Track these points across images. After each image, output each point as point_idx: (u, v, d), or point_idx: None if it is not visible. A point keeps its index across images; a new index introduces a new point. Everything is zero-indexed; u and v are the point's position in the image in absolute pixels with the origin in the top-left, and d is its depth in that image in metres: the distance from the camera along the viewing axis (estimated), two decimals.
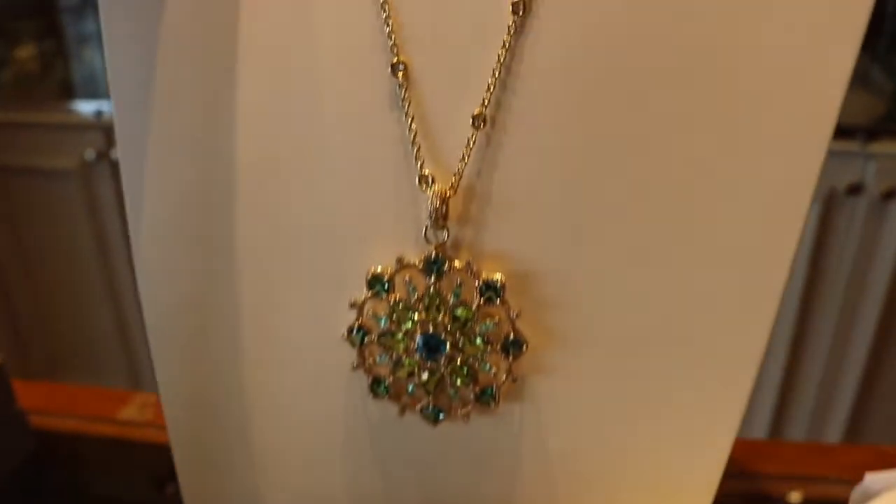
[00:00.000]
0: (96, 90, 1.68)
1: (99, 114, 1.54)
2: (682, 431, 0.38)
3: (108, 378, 1.74)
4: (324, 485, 0.43)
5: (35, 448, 0.71)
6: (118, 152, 0.39)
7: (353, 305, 0.37)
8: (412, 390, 0.38)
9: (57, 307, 1.68)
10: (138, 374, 1.73)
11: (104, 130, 1.54)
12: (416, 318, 0.37)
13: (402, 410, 0.39)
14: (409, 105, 0.35)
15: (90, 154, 1.54)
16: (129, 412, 0.80)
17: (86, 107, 1.59)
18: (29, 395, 0.78)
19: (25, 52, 1.64)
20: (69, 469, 0.74)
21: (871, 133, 1.30)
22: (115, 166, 1.54)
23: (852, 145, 1.26)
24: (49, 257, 1.63)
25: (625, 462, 0.40)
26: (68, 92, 1.69)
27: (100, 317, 1.66)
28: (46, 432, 0.74)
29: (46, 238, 1.62)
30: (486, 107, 0.34)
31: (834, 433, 1.46)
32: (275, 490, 0.44)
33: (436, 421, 0.39)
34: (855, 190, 1.31)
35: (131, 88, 0.38)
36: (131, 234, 0.40)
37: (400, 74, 0.35)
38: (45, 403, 0.79)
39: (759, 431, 1.49)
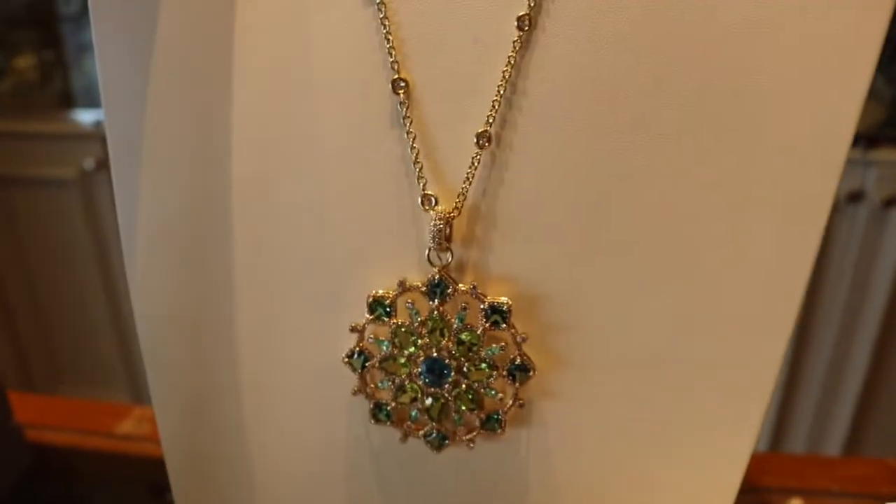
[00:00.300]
0: (96, 100, 1.67)
1: (98, 123, 1.54)
2: (693, 457, 0.37)
3: (108, 388, 1.73)
4: None
5: (32, 462, 0.70)
6: (111, 168, 0.38)
7: (353, 329, 0.36)
8: (415, 416, 0.37)
9: (57, 317, 1.68)
10: (138, 385, 1.72)
11: (103, 140, 1.52)
12: (419, 342, 0.36)
13: (405, 436, 0.38)
14: (410, 123, 0.34)
15: (89, 163, 1.54)
16: (126, 426, 0.79)
17: (85, 116, 1.58)
18: (26, 408, 0.77)
19: (25, 62, 1.64)
20: (66, 483, 0.73)
21: (872, 140, 1.30)
22: None
23: (853, 153, 1.25)
24: (49, 266, 1.62)
25: (635, 489, 0.39)
26: (68, 101, 1.69)
27: (100, 327, 1.65)
28: (44, 446, 0.73)
29: (46, 247, 1.61)
30: (490, 125, 0.33)
31: (833, 446, 1.45)
32: None
33: (440, 447, 0.38)
34: (856, 197, 1.31)
35: (124, 102, 0.37)
36: (124, 250, 0.39)
37: (401, 92, 0.34)
38: (43, 417, 0.78)
39: (759, 444, 1.47)
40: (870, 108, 1.38)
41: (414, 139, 0.34)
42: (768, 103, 0.31)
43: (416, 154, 0.34)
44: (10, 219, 1.59)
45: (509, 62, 0.33)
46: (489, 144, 0.33)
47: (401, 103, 0.34)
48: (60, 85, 1.68)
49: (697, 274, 0.34)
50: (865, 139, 1.28)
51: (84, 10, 1.63)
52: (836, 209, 1.29)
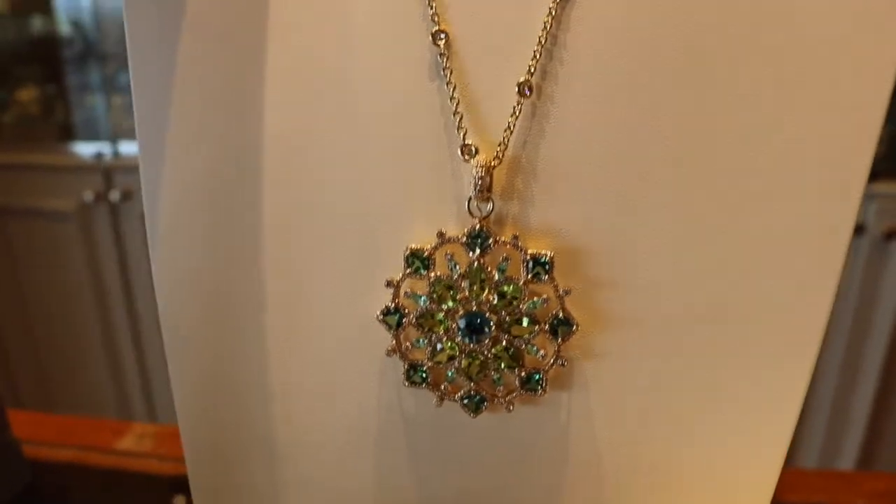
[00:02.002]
0: (96, 133, 1.68)
1: (98, 156, 1.54)
2: (740, 419, 0.36)
3: (100, 416, 1.69)
4: (352, 481, 0.40)
5: (32, 479, 0.68)
6: (136, 128, 0.37)
7: (389, 284, 0.35)
8: (452, 377, 0.36)
9: (52, 348, 1.66)
10: (130, 415, 1.68)
11: (103, 172, 1.53)
12: (458, 296, 0.35)
13: (441, 399, 0.36)
14: (450, 74, 0.34)
15: (88, 196, 1.53)
16: (126, 443, 0.78)
17: (85, 149, 1.59)
18: (24, 425, 0.75)
19: (27, 95, 1.65)
20: (65, 500, 0.71)
21: (871, 174, 1.31)
22: (113, 208, 1.53)
23: None
24: (46, 297, 1.61)
25: (680, 453, 0.37)
26: (68, 134, 1.70)
27: (94, 358, 1.63)
28: (42, 463, 0.71)
29: (44, 278, 1.60)
30: (531, 75, 0.33)
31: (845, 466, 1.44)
32: (296, 484, 0.41)
33: (477, 410, 0.36)
34: (857, 230, 1.31)
35: (151, 58, 0.36)
36: (146, 217, 0.38)
37: (441, 43, 0.33)
38: (41, 434, 0.77)
39: None
40: None
41: (454, 90, 0.33)
42: (811, 57, 0.31)
43: (456, 105, 0.34)
44: (9, 249, 1.58)
45: (550, 13, 0.32)
46: (530, 94, 0.33)
47: (441, 55, 0.33)
48: (61, 118, 1.69)
49: (742, 227, 0.33)
50: None
51: (87, 51, 1.66)
52: None
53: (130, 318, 1.61)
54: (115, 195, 1.53)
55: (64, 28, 1.69)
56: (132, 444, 0.77)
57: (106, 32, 1.65)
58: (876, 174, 1.30)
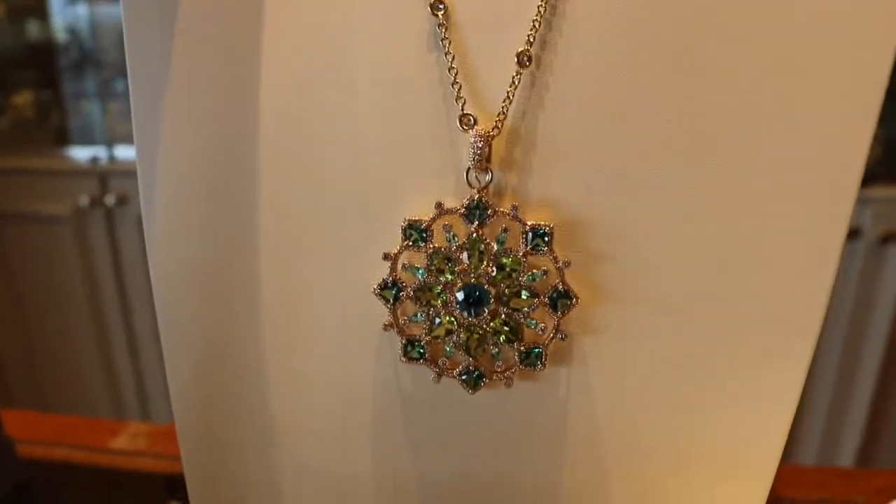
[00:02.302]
0: (91, 138, 1.68)
1: (94, 160, 1.54)
2: (741, 398, 0.36)
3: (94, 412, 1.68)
4: (349, 466, 0.39)
5: (24, 478, 0.68)
6: (133, 116, 0.37)
7: (386, 257, 0.35)
8: (450, 352, 0.35)
9: (47, 352, 1.65)
10: (125, 419, 1.67)
11: (98, 177, 1.53)
12: (456, 268, 0.34)
13: (439, 376, 0.36)
14: (449, 45, 0.33)
15: (84, 200, 1.53)
16: (120, 442, 0.77)
17: (81, 153, 1.59)
18: (19, 424, 0.75)
19: (23, 99, 1.65)
20: (59, 499, 0.70)
21: (867, 178, 1.31)
22: (108, 212, 1.53)
23: None
24: (41, 301, 1.60)
25: (679, 432, 0.37)
26: (63, 139, 1.69)
27: (89, 361, 1.62)
28: (36, 462, 0.70)
29: (39, 282, 1.60)
30: (530, 45, 0.32)
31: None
32: (292, 471, 0.40)
33: (475, 386, 0.36)
34: (853, 234, 1.32)
35: (147, 40, 0.35)
36: (142, 198, 0.38)
37: (440, 14, 0.33)
38: (36, 433, 0.76)
39: None
40: None
41: (452, 60, 0.33)
42: (811, 39, 0.31)
43: (455, 75, 0.33)
44: (4, 253, 1.58)
45: None
46: (529, 64, 0.32)
47: (439, 25, 0.33)
48: (57, 122, 1.69)
49: (742, 207, 0.33)
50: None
51: (83, 59, 1.66)
52: None
53: (125, 321, 1.60)
54: (110, 199, 1.53)
55: (60, 35, 1.70)
56: (126, 443, 0.77)
57: (102, 40, 1.66)
58: (872, 178, 1.30)
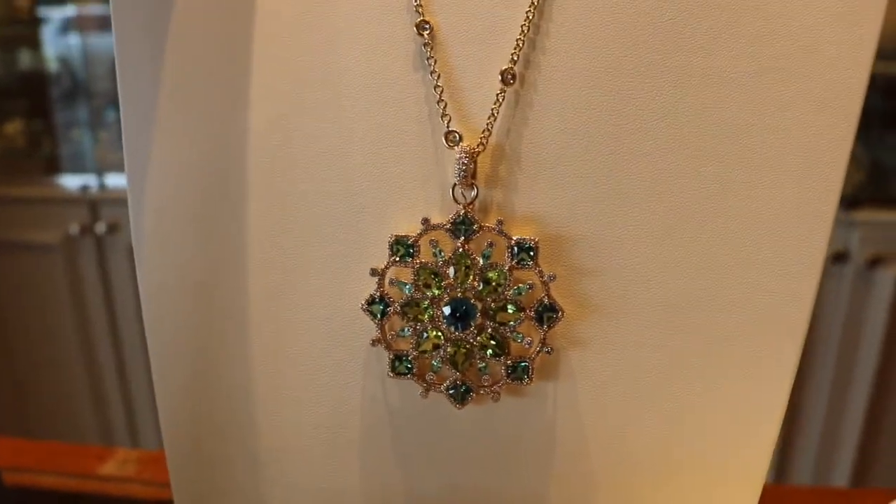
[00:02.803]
0: (82, 166, 1.68)
1: (84, 188, 1.54)
2: (729, 406, 0.36)
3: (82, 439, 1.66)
4: (338, 481, 0.39)
5: None
6: (122, 126, 0.37)
7: (374, 273, 0.35)
8: (437, 367, 0.36)
9: (36, 381, 1.63)
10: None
11: (89, 205, 1.53)
12: (442, 283, 0.34)
13: (427, 391, 0.36)
14: (434, 64, 0.34)
15: (74, 229, 1.53)
16: (109, 468, 0.76)
17: (71, 181, 1.59)
18: (7, 452, 0.74)
19: (14, 128, 1.65)
20: None
21: (853, 202, 1.33)
22: (98, 241, 1.52)
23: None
24: (30, 329, 1.59)
25: (668, 443, 0.37)
26: (54, 167, 1.69)
27: (78, 391, 1.61)
28: (24, 489, 0.70)
29: (29, 310, 1.58)
30: (514, 63, 0.33)
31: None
32: (281, 487, 0.40)
33: (463, 401, 0.36)
34: (840, 258, 1.33)
35: (137, 57, 0.36)
36: (131, 213, 0.38)
37: (425, 34, 0.34)
38: (23, 460, 0.76)
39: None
40: (850, 171, 1.42)
41: (438, 79, 0.34)
42: (790, 45, 0.32)
43: (440, 94, 0.34)
44: None
45: (533, 3, 0.33)
46: (514, 82, 0.33)
47: (425, 44, 0.34)
48: (48, 151, 1.69)
49: (725, 216, 0.34)
50: (847, 200, 1.31)
51: (74, 89, 1.67)
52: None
53: (115, 350, 1.59)
54: (100, 228, 1.53)
55: (52, 65, 1.70)
56: (115, 469, 0.76)
57: (94, 70, 1.66)
58: (858, 202, 1.31)
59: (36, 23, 1.64)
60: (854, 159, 1.39)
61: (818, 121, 0.32)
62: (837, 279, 1.33)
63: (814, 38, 0.31)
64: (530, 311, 0.34)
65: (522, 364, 0.35)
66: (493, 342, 0.35)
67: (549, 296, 0.34)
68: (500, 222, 0.34)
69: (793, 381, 0.35)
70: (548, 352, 0.35)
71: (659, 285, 0.35)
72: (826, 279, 1.32)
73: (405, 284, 0.35)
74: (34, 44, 1.68)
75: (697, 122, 0.33)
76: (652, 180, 0.34)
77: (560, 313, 0.34)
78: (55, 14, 1.63)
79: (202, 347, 0.39)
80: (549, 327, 0.34)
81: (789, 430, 1.41)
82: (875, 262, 1.31)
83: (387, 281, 0.35)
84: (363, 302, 0.35)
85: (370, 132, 0.35)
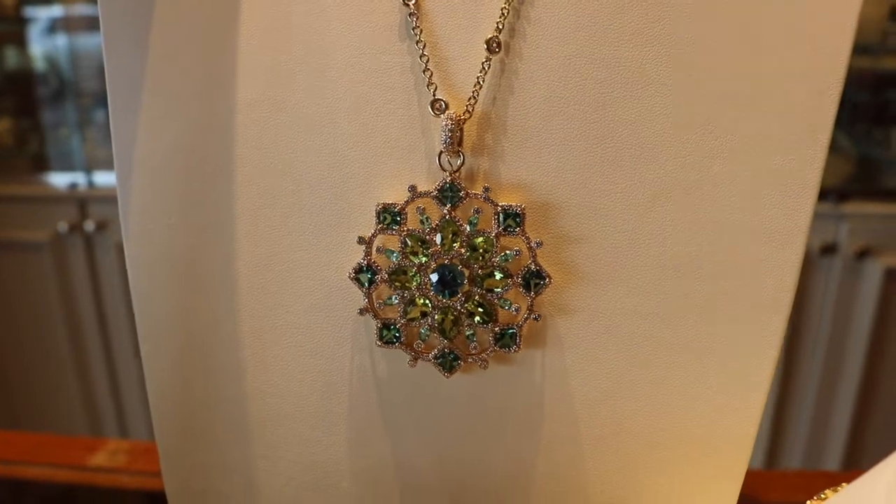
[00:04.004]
0: (70, 164, 1.67)
1: (73, 186, 1.53)
2: (716, 374, 0.36)
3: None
4: (325, 451, 0.39)
5: (2, 497, 0.66)
6: (109, 107, 0.37)
7: (361, 241, 0.35)
8: (425, 335, 0.36)
9: (25, 379, 1.62)
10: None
11: (77, 203, 1.52)
12: (430, 250, 0.34)
13: (415, 359, 0.36)
14: (420, 33, 0.34)
15: (63, 227, 1.52)
16: (99, 459, 0.76)
17: (59, 179, 1.58)
18: None
19: (1, 126, 1.64)
20: None
21: (842, 194, 1.34)
22: (87, 238, 1.52)
23: (824, 206, 1.30)
24: (19, 327, 1.58)
25: (657, 410, 0.37)
26: (42, 165, 1.68)
27: (68, 389, 1.60)
28: (13, 480, 0.70)
29: (17, 308, 1.57)
30: (499, 32, 0.33)
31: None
32: (268, 460, 0.40)
33: (451, 369, 0.36)
34: (829, 250, 1.33)
35: (124, 32, 0.36)
36: (119, 192, 0.38)
37: (411, 3, 0.34)
38: (12, 452, 0.75)
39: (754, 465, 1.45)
40: (839, 164, 1.43)
41: (424, 48, 0.34)
42: (775, 13, 0.32)
43: (426, 63, 0.34)
44: None
45: None
46: (499, 50, 0.33)
47: (410, 14, 0.34)
48: (36, 149, 1.68)
49: (710, 184, 0.34)
50: (836, 193, 1.32)
51: (62, 88, 1.66)
52: (810, 262, 1.32)
53: (104, 348, 1.59)
54: (89, 225, 1.52)
55: (39, 64, 1.69)
56: (105, 460, 0.76)
57: (81, 69, 1.66)
58: (846, 195, 1.32)
59: (22, 22, 1.62)
60: (842, 153, 1.40)
61: (802, 87, 0.32)
62: (827, 271, 1.34)
63: (799, 3, 0.31)
64: (517, 277, 0.34)
65: (510, 331, 0.35)
66: (480, 309, 0.35)
67: (535, 262, 0.34)
68: (486, 189, 0.34)
69: (779, 351, 0.35)
70: (535, 318, 0.35)
71: (646, 252, 0.35)
72: (815, 271, 1.33)
73: (392, 252, 0.35)
74: (20, 42, 1.67)
75: (683, 89, 0.33)
76: (638, 147, 0.34)
77: (547, 279, 0.34)
78: (42, 14, 1.62)
79: (190, 322, 0.39)
80: (537, 294, 0.34)
81: (780, 418, 1.42)
82: (863, 254, 1.32)
83: (374, 249, 0.35)
84: (351, 271, 0.35)
85: (356, 102, 0.35)
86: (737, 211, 0.34)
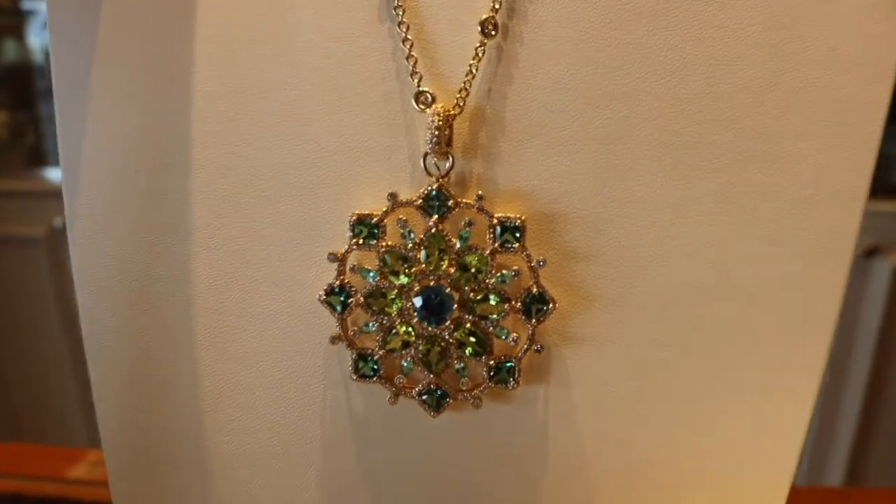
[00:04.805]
0: None
1: None
2: (747, 410, 0.32)
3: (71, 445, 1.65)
4: (295, 494, 0.35)
5: None
6: (55, 102, 0.34)
7: (333, 257, 0.31)
8: (408, 367, 0.31)
9: (20, 375, 1.62)
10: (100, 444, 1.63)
11: None
12: (413, 269, 0.30)
13: (395, 396, 0.32)
14: (402, 14, 0.30)
15: (59, 222, 1.51)
16: (79, 471, 0.73)
17: (55, 174, 1.57)
18: None
19: None
20: None
21: None
22: None
23: None
24: (14, 323, 1.57)
25: (678, 453, 0.33)
26: (39, 160, 1.68)
27: (63, 384, 1.59)
28: None
29: (13, 304, 1.56)
30: (496, 12, 0.29)
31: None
32: (232, 502, 0.36)
33: (438, 408, 0.32)
34: None
35: (70, 22, 0.32)
36: (65, 196, 0.35)
37: None
38: None
39: None
40: None
41: (407, 31, 0.30)
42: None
43: (410, 48, 0.30)
44: None
45: None
46: (495, 34, 0.29)
47: None
48: (32, 142, 1.67)
49: (742, 192, 0.30)
50: None
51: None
52: None
53: None
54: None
55: (38, 57, 1.69)
56: (85, 471, 0.73)
57: None
58: None
59: (20, 14, 1.63)
60: None
61: (848, 80, 0.28)
62: None
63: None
64: (516, 302, 0.30)
65: (507, 364, 0.31)
66: (472, 339, 0.31)
67: (538, 284, 0.30)
68: (479, 198, 0.30)
69: (819, 385, 0.31)
70: (537, 350, 0.31)
71: (666, 271, 0.31)
72: None
73: (369, 271, 0.31)
74: (18, 35, 1.66)
75: (710, 81, 0.29)
76: (658, 149, 0.30)
77: (551, 304, 0.30)
78: (41, 6, 1.62)
79: (143, 345, 0.35)
80: (539, 321, 0.30)
81: None
82: (872, 253, 1.30)
83: (348, 267, 0.31)
84: (321, 292, 0.31)
85: (328, 94, 0.31)
86: (774, 222, 0.30)
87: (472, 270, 0.30)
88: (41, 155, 1.69)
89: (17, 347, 1.60)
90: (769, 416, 0.32)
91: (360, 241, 0.30)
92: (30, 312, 1.56)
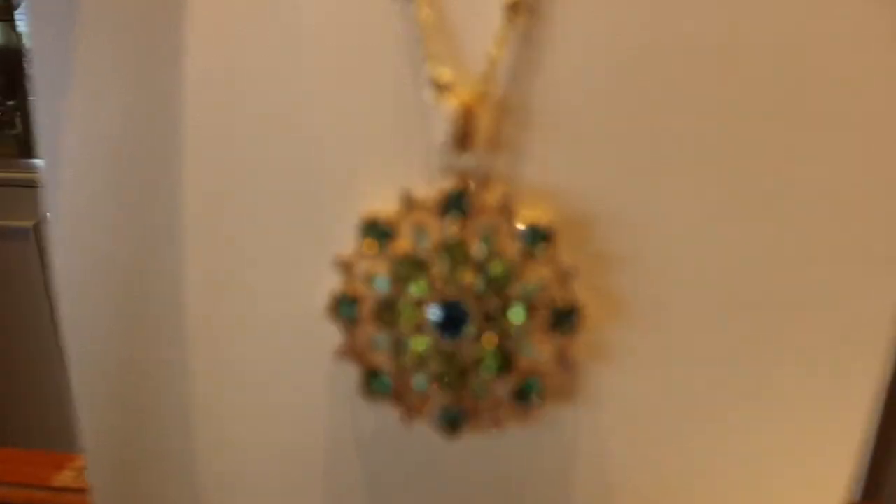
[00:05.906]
0: None
1: None
2: (796, 434, 0.30)
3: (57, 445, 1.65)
4: None
5: None
6: (33, 76, 0.32)
7: (339, 263, 0.29)
8: (422, 386, 0.29)
9: (8, 368, 1.61)
10: None
11: None
12: (428, 278, 0.28)
13: (408, 416, 0.30)
14: None
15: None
16: (65, 478, 0.71)
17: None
18: None
19: None
20: None
21: None
22: None
23: None
24: (2, 316, 1.56)
25: (722, 483, 0.31)
26: (27, 150, 1.67)
27: (53, 379, 1.58)
28: None
29: (1, 296, 1.55)
30: None
31: None
32: None
33: (455, 430, 0.29)
34: None
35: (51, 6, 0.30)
36: (47, 197, 0.33)
37: None
38: None
39: None
40: None
41: (422, 8, 0.27)
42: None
43: (425, 29, 0.28)
44: None
45: None
46: (522, 15, 0.27)
47: None
48: (21, 132, 1.66)
49: (796, 192, 0.28)
50: None
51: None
52: None
53: None
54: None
55: (27, 42, 1.67)
56: (72, 479, 0.71)
57: None
58: None
59: None
60: None
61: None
62: None
63: None
64: (543, 314, 0.28)
65: (532, 382, 0.29)
66: (494, 354, 0.29)
67: (568, 295, 0.28)
68: (504, 197, 0.28)
69: (873, 406, 0.29)
70: (566, 368, 0.29)
71: (710, 281, 0.29)
72: None
73: (380, 279, 0.29)
74: (8, 19, 1.65)
75: (760, 68, 0.26)
76: (703, 148, 0.27)
77: (582, 316, 0.28)
78: None
79: (129, 357, 0.33)
80: (568, 335, 0.28)
81: None
82: None
83: (356, 274, 0.29)
84: (326, 301, 0.29)
85: (333, 80, 0.29)
86: (830, 226, 0.28)
87: (496, 279, 0.28)
88: (30, 144, 1.68)
89: (7, 339, 1.60)
90: (820, 438, 0.30)
91: (370, 245, 0.28)
92: (17, 307, 1.55)
